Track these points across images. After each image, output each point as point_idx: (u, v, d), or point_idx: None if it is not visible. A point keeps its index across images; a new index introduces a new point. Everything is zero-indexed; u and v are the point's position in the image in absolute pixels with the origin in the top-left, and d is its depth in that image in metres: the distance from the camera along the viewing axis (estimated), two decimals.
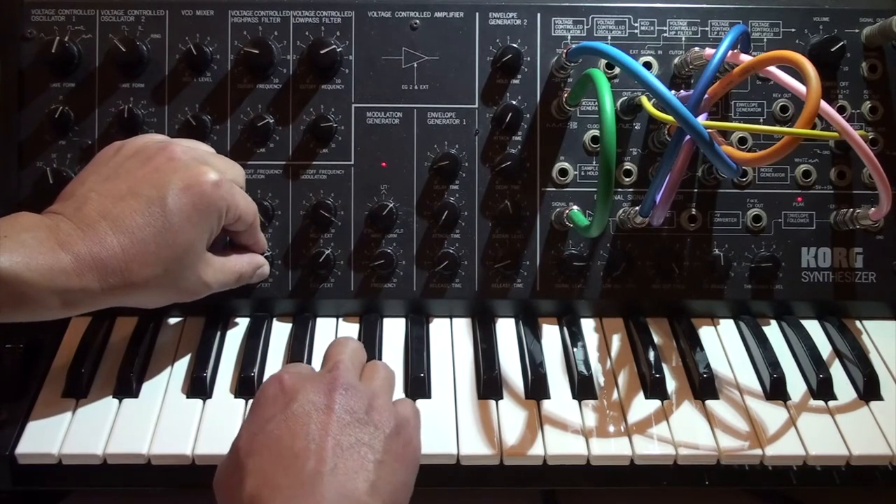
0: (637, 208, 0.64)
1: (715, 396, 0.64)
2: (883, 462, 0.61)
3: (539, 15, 0.69)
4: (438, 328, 0.70)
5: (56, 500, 0.69)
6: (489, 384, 0.63)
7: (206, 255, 0.59)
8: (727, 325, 0.71)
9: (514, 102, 0.69)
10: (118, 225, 0.54)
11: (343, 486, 0.46)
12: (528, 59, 0.69)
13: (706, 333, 0.69)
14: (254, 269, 0.64)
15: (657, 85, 0.55)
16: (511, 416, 0.62)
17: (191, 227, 0.56)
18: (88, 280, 0.52)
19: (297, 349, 0.66)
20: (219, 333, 0.67)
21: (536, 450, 0.59)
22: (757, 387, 0.65)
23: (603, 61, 0.69)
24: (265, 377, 0.61)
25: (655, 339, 0.68)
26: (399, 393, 0.63)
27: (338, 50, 0.68)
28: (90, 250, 0.52)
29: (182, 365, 0.65)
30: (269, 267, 0.66)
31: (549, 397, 0.63)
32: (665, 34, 0.70)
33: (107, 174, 0.57)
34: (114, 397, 0.62)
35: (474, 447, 0.59)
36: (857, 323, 0.71)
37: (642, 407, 0.63)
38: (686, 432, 0.61)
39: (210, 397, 0.63)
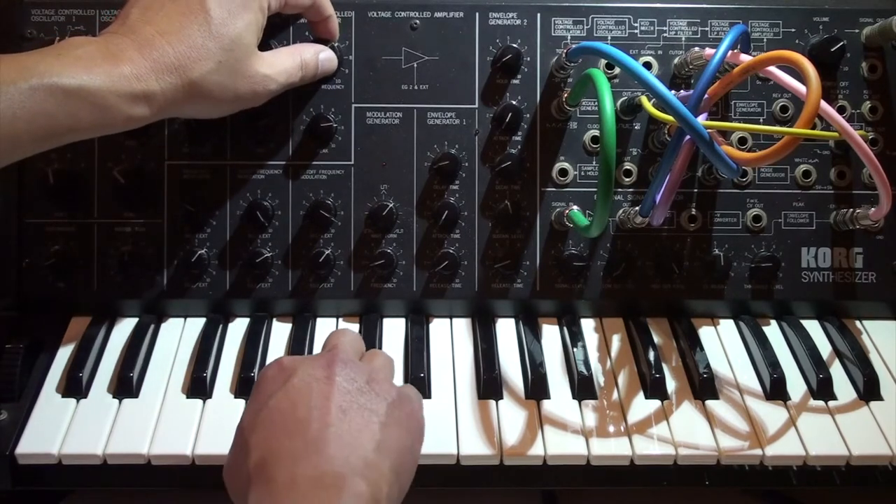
0: (637, 208, 0.64)
1: (715, 396, 0.64)
2: (883, 462, 0.61)
3: (539, 15, 0.69)
4: (438, 328, 0.70)
5: (56, 500, 0.69)
6: (489, 384, 0.63)
7: (258, 52, 0.60)
8: (727, 325, 0.71)
9: (514, 102, 0.69)
10: (163, 27, 0.55)
11: (349, 445, 0.46)
12: (528, 59, 0.69)
13: (706, 333, 0.69)
14: (314, 56, 0.65)
15: (657, 85, 0.55)
16: (511, 416, 0.62)
17: (233, 18, 0.57)
18: (148, 82, 0.54)
19: (297, 349, 0.66)
20: (219, 333, 0.67)
21: (536, 450, 0.59)
22: (757, 387, 0.65)
23: (603, 61, 0.68)
24: None
25: (655, 339, 0.68)
26: None
27: (338, 48, 0.68)
28: (142, 54, 0.54)
29: (182, 365, 0.65)
30: (336, 57, 0.67)
31: (549, 397, 0.63)
32: (665, 34, 0.70)
33: None
34: (114, 397, 0.62)
35: (474, 447, 0.59)
36: (857, 323, 0.71)
37: (642, 407, 0.63)
38: (686, 432, 0.61)
39: (210, 397, 0.63)
